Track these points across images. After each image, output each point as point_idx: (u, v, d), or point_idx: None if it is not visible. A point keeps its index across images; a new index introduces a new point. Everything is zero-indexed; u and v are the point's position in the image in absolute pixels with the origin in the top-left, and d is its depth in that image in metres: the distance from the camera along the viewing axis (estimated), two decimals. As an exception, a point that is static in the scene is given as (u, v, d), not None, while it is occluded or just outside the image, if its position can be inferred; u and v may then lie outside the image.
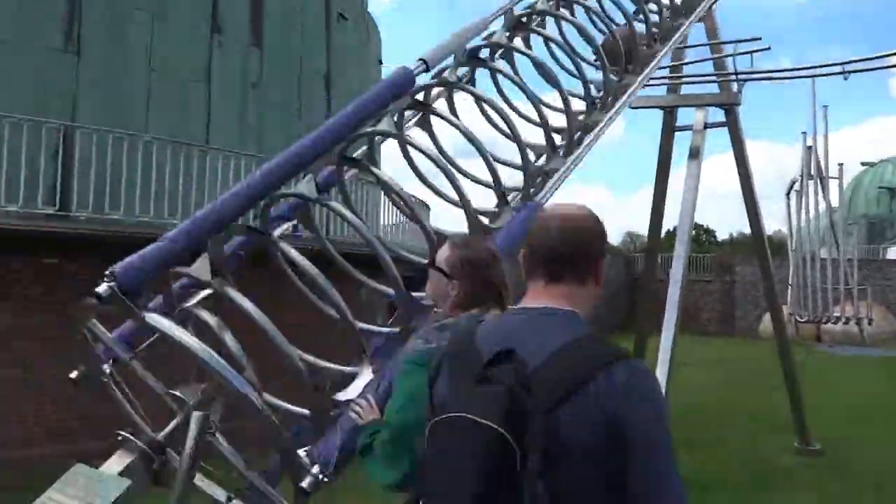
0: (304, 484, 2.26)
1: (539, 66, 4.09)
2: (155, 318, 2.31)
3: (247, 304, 2.46)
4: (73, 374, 2.61)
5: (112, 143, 9.39)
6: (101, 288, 2.26)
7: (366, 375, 2.70)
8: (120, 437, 2.24)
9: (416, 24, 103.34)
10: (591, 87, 4.47)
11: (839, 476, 8.66)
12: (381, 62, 16.22)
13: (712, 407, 12.74)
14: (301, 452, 2.35)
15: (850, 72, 9.25)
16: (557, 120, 4.07)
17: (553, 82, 4.04)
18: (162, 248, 2.46)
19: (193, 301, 2.55)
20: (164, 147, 9.86)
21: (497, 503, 1.33)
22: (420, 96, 3.54)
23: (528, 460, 1.33)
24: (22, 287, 8.66)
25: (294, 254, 2.72)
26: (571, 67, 4.40)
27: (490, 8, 4.12)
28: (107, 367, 2.46)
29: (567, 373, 1.43)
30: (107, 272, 2.30)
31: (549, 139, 3.93)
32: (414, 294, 2.88)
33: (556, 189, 3.66)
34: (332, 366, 2.88)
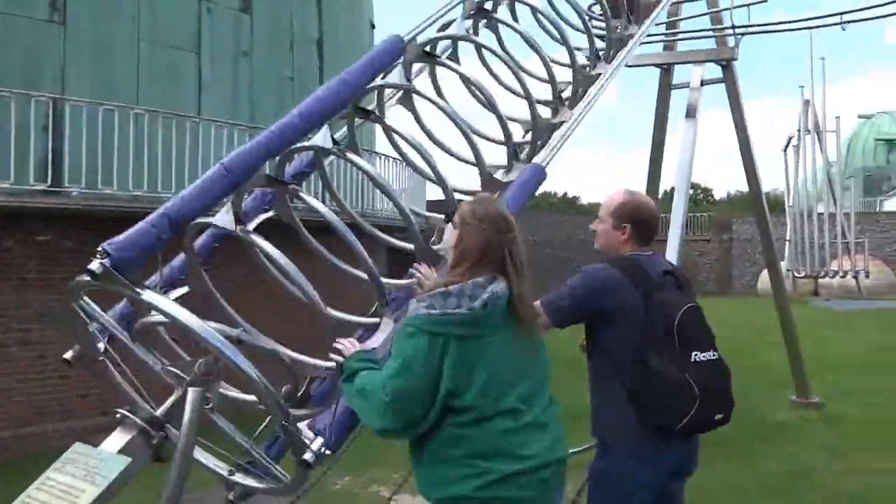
0: (306, 457, 2.24)
1: (542, 20, 4.04)
2: (151, 296, 2.20)
3: (270, 248, 2.40)
4: (68, 355, 2.55)
5: (102, 115, 9.26)
6: (94, 265, 2.13)
7: (387, 326, 2.63)
8: (118, 415, 2.22)
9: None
10: (596, 40, 4.43)
11: (835, 426, 8.78)
12: (373, 26, 15.98)
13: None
14: (302, 426, 2.33)
15: (847, 22, 9.11)
16: (560, 75, 4.04)
17: (559, 35, 4.01)
18: (159, 221, 2.35)
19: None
20: (155, 118, 9.75)
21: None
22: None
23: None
24: (18, 265, 8.62)
25: (314, 202, 2.60)
26: (577, 22, 4.34)
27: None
28: (101, 346, 2.42)
29: (684, 276, 3.00)
30: (99, 248, 2.17)
31: (556, 94, 3.87)
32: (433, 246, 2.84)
33: (565, 140, 3.61)
34: (354, 318, 2.75)
